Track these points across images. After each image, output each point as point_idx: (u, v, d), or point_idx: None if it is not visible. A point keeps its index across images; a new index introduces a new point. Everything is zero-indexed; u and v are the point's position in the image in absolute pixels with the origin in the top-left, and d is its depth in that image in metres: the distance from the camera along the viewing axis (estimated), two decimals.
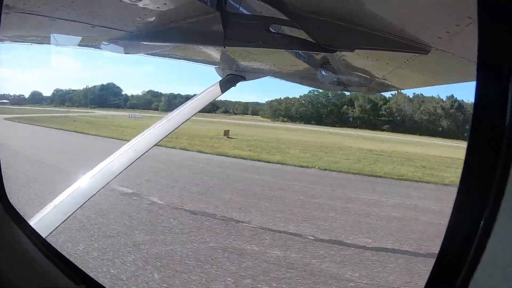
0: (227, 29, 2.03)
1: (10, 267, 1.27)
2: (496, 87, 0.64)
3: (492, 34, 0.69)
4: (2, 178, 1.40)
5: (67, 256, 1.67)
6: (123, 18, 2.08)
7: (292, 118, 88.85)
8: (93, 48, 2.87)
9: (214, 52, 2.98)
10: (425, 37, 1.79)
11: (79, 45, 2.68)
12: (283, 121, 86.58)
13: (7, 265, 1.27)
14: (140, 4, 1.86)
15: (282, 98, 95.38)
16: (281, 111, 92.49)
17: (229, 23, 2.03)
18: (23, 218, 1.46)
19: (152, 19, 2.07)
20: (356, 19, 1.87)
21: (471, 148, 0.67)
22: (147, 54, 3.10)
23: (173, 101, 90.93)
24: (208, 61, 3.51)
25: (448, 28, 1.52)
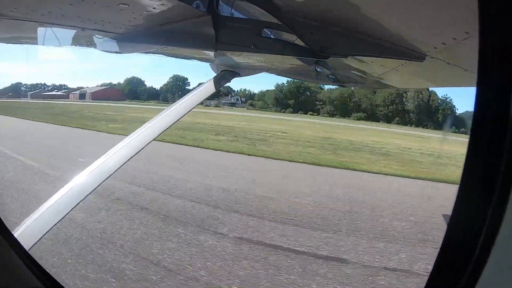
0: (219, 32, 2.00)
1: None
2: (496, 89, 0.63)
3: (493, 35, 0.67)
4: None
5: None
6: (113, 22, 2.04)
7: None
8: (85, 47, 2.83)
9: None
10: (420, 46, 1.77)
11: (71, 44, 2.64)
12: None
13: None
14: (129, 8, 1.83)
15: None
16: None
17: (221, 27, 1.99)
18: (14, 236, 1.48)
19: (142, 22, 2.04)
20: (351, 25, 1.84)
21: (473, 146, 0.67)
22: (140, 52, 3.06)
23: None
24: (203, 58, 3.47)
25: (445, 40, 1.51)
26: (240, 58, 3.22)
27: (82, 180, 2.64)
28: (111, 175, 2.79)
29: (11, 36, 2.56)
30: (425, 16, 1.42)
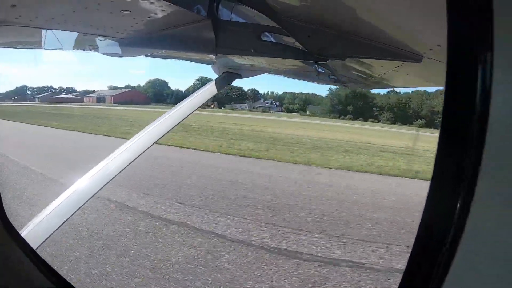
0: (219, 36, 2.02)
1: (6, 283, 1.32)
2: (463, 86, 0.66)
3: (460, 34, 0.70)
4: (0, 196, 1.44)
5: None
6: (115, 27, 2.08)
7: None
8: (87, 51, 2.86)
9: None
10: (417, 47, 1.79)
11: (73, 49, 2.68)
12: None
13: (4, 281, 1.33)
14: (131, 14, 1.86)
15: None
16: None
17: (221, 31, 2.02)
18: (21, 236, 1.51)
19: (143, 27, 2.07)
20: (348, 28, 1.86)
21: (442, 149, 0.69)
22: (142, 55, 3.10)
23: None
24: (204, 60, 3.50)
25: (439, 42, 1.53)
26: (241, 60, 3.24)
27: (86, 183, 2.68)
28: (113, 178, 2.83)
29: (15, 41, 2.60)
30: (419, 19, 1.44)
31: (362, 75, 3.13)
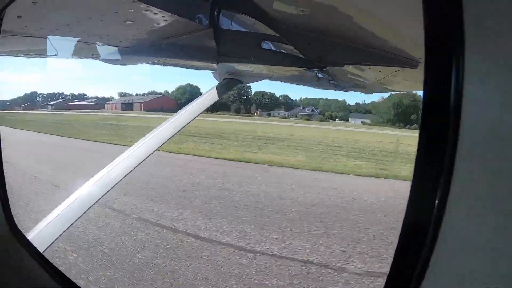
0: (220, 45, 2.06)
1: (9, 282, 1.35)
2: (440, 88, 0.66)
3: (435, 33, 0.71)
4: (8, 199, 1.46)
5: None
6: (118, 36, 2.12)
7: None
8: (89, 59, 2.91)
9: None
10: (414, 53, 1.82)
11: (75, 57, 2.72)
12: None
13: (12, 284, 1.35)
14: (134, 24, 1.90)
15: None
16: None
17: (222, 40, 2.06)
18: (28, 239, 1.54)
19: (146, 36, 2.11)
20: (345, 35, 1.89)
21: (421, 149, 0.69)
22: (142, 63, 3.14)
23: None
24: (205, 67, 3.54)
25: None
26: (242, 67, 3.28)
27: (89, 189, 2.71)
28: (116, 184, 2.85)
29: (19, 50, 2.65)
30: (415, 26, 1.46)
31: (362, 80, 3.16)
